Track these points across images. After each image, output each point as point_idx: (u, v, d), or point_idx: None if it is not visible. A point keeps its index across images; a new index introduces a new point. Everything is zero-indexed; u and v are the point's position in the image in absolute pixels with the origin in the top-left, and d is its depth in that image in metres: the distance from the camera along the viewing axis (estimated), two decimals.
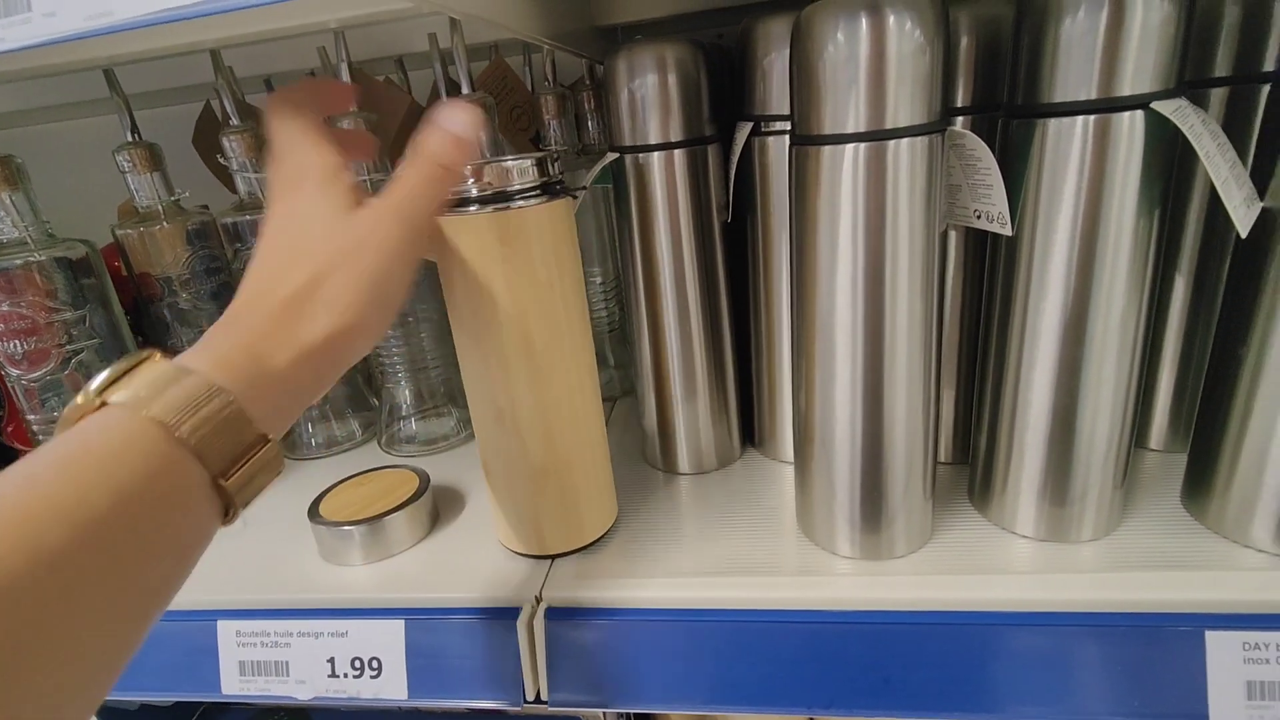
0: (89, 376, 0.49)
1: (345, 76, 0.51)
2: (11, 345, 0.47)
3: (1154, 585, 0.37)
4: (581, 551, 0.45)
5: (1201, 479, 0.41)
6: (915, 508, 0.41)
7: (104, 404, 0.25)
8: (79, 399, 0.25)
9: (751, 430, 0.56)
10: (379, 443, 0.64)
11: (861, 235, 0.35)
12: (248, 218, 0.56)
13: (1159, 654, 0.35)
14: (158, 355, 0.26)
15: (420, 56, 0.60)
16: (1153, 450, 0.49)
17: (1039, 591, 0.37)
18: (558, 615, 0.41)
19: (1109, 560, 0.39)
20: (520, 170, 0.37)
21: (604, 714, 0.57)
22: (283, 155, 0.32)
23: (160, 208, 0.58)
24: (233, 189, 0.58)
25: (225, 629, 0.44)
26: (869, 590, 0.39)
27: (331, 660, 0.43)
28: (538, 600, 0.41)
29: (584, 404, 0.42)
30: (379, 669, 0.42)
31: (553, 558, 0.44)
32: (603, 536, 0.46)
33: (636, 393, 0.54)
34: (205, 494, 0.25)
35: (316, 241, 0.30)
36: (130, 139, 0.56)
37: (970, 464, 0.46)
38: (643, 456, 0.56)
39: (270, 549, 0.50)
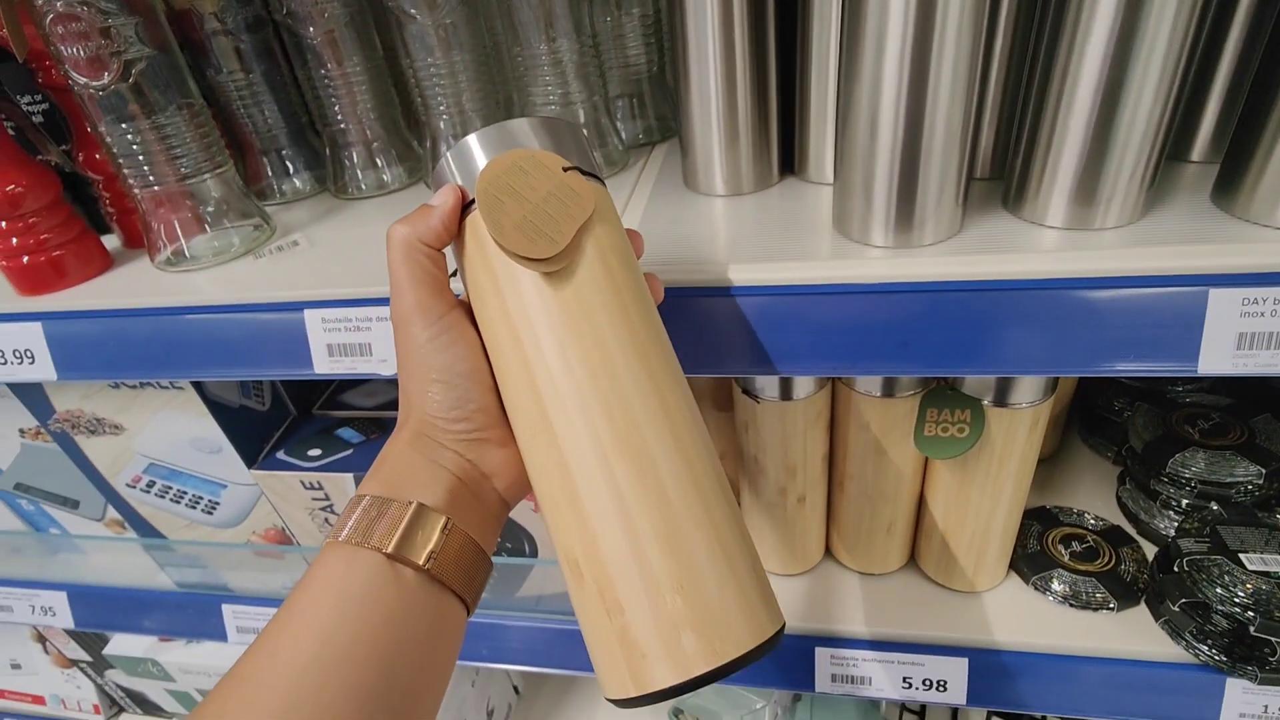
0: (141, 92, 0.51)
1: None
2: (74, 50, 0.48)
3: (1168, 256, 0.39)
4: None
5: (1234, 173, 0.42)
6: (947, 201, 0.42)
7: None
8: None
9: (790, 160, 0.57)
10: (426, 183, 0.66)
11: None
12: None
13: (1162, 310, 0.38)
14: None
15: None
16: (1194, 162, 0.50)
17: (1053, 264, 0.40)
18: None
19: (1129, 240, 0.41)
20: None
21: None
22: (392, 294, 0.37)
23: None
24: None
25: (312, 317, 0.50)
26: (896, 268, 0.42)
27: None
28: None
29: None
30: None
31: None
32: None
33: (678, 128, 0.55)
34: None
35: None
36: None
37: (1005, 176, 0.47)
38: (684, 184, 0.58)
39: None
